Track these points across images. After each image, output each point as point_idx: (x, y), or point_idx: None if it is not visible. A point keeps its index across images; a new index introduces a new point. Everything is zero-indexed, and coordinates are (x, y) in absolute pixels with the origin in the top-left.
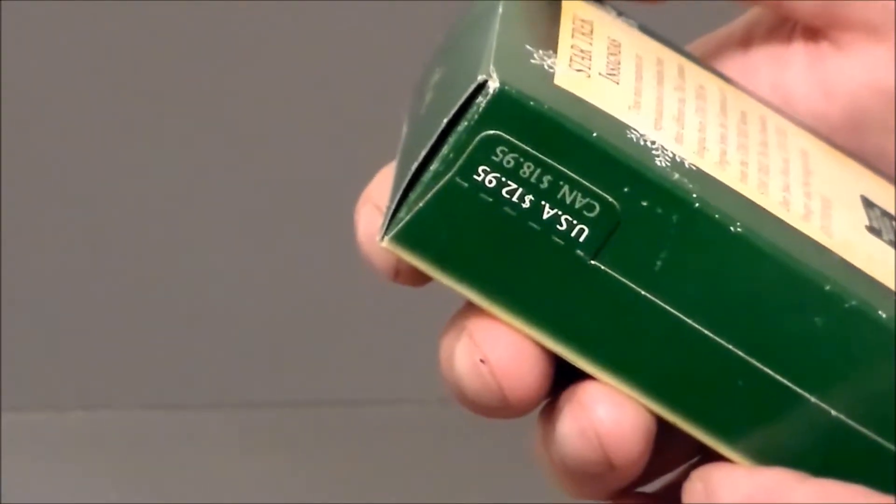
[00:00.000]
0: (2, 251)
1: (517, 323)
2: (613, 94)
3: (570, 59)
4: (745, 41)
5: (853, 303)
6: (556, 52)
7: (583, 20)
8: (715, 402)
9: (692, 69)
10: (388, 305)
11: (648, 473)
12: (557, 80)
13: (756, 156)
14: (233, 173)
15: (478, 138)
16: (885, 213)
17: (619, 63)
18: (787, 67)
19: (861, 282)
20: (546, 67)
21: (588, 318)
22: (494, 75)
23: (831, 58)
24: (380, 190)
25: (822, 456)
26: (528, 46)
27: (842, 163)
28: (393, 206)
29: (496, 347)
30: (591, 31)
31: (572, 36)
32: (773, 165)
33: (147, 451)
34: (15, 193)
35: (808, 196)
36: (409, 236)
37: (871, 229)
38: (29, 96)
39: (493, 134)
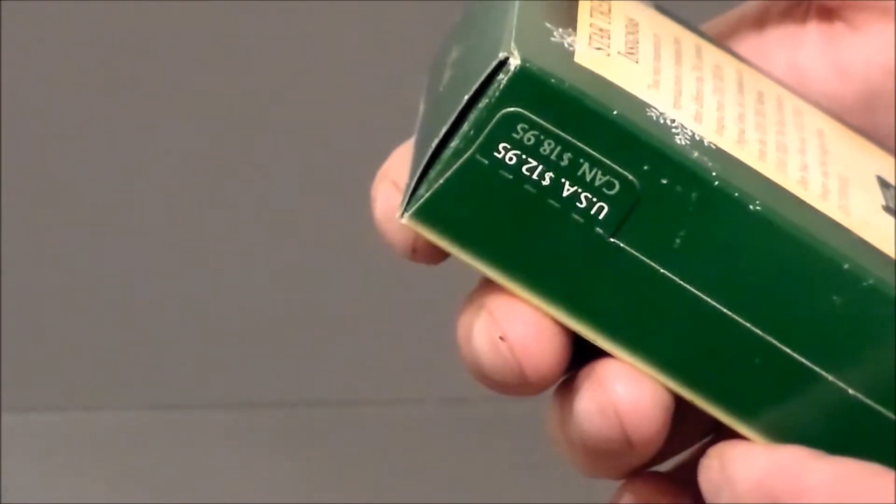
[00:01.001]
0: (2, 251)
1: (536, 300)
2: (633, 73)
3: (590, 38)
4: (760, 21)
5: (871, 281)
6: (575, 30)
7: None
8: (732, 379)
9: (709, 49)
10: (388, 305)
11: (661, 453)
12: (577, 58)
13: (774, 135)
14: (233, 173)
15: (498, 115)
16: None
17: (637, 42)
18: (802, 47)
19: (879, 261)
20: (566, 45)
21: (607, 295)
22: (516, 52)
23: (845, 38)
24: (397, 167)
25: (839, 434)
26: (547, 24)
27: (856, 143)
28: (413, 183)
29: (515, 324)
30: (609, 11)
31: (591, 15)
32: (791, 144)
33: (147, 451)
34: (15, 193)
35: (826, 175)
36: (428, 213)
37: (887, 209)
38: (29, 96)
39: (514, 111)
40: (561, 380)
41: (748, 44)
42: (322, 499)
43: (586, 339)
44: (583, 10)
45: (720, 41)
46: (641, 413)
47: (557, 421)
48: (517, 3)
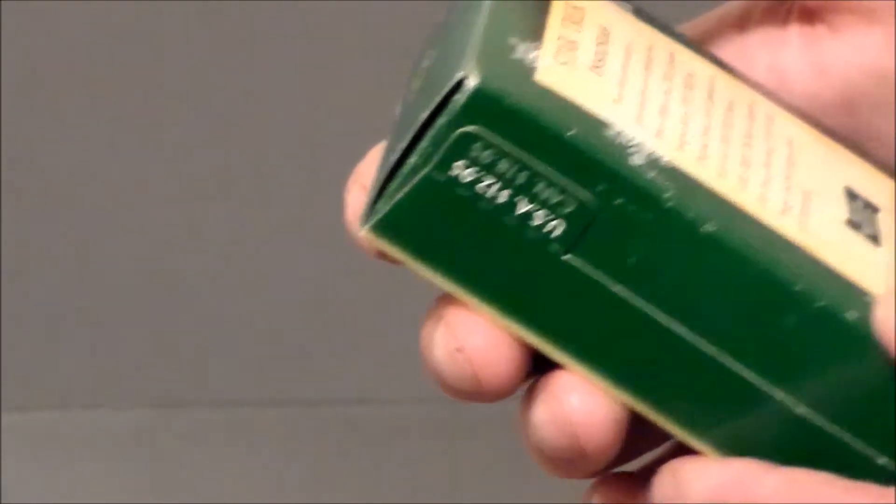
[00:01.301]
0: (2, 251)
1: (492, 313)
2: (596, 88)
3: (556, 51)
4: (742, 22)
5: (822, 303)
6: (541, 43)
7: (574, 6)
8: (684, 394)
9: (683, 55)
10: (388, 305)
11: (630, 452)
12: (538, 76)
13: (739, 148)
14: (233, 173)
15: (455, 134)
16: (867, 205)
17: (606, 53)
18: (783, 49)
19: (832, 281)
20: (528, 62)
21: (561, 309)
22: (474, 72)
23: (826, 40)
24: (369, 170)
25: (790, 451)
26: (512, 39)
27: (830, 151)
28: (373, 197)
29: (472, 336)
30: (582, 19)
31: (561, 24)
32: (756, 158)
33: (147, 451)
34: (15, 193)
35: (788, 189)
36: (386, 228)
37: (850, 223)
38: (29, 96)
39: (471, 130)
40: (527, 385)
41: (729, 45)
42: (322, 499)
43: (541, 352)
44: (554, 18)
45: (702, 41)
46: (594, 424)
47: (522, 427)
48: (486, 15)
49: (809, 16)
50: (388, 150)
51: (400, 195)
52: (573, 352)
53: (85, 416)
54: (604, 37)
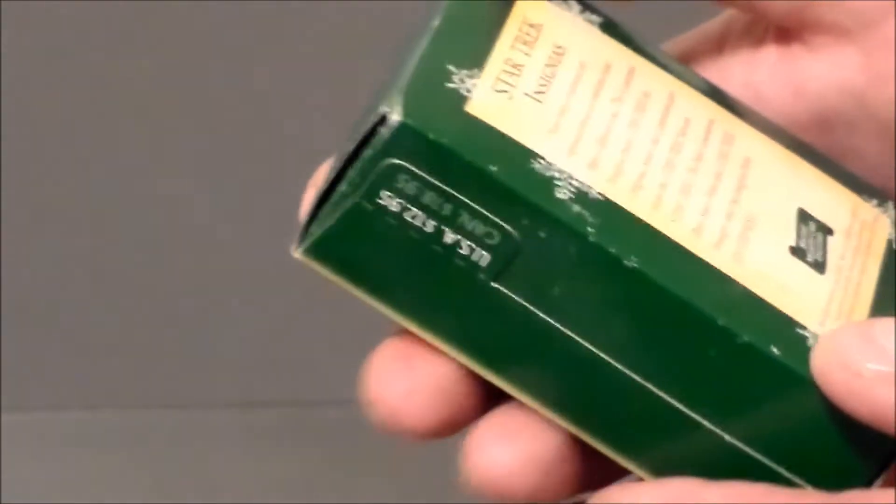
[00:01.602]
0: (2, 251)
1: (426, 336)
2: (532, 117)
3: (496, 78)
4: (720, 41)
5: (745, 339)
6: (482, 69)
7: (531, 25)
8: (615, 420)
9: (645, 73)
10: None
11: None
12: (470, 106)
13: (682, 174)
14: (233, 172)
15: (380, 166)
16: (820, 227)
17: (553, 76)
18: (759, 67)
19: (761, 315)
20: (463, 91)
21: (492, 335)
22: (397, 108)
23: (801, 59)
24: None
25: (724, 476)
26: (450, 66)
27: (792, 170)
28: (306, 220)
29: (391, 384)
30: (536, 39)
31: (511, 47)
32: (700, 184)
33: (147, 451)
34: (15, 193)
35: (730, 217)
36: (318, 252)
37: (795, 251)
38: (29, 96)
39: (395, 163)
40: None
41: (708, 62)
42: (322, 499)
43: (477, 374)
44: (504, 40)
45: (681, 59)
46: (511, 475)
47: None
48: (429, 40)
49: (785, 35)
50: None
51: (330, 221)
52: (508, 376)
53: (84, 417)
54: (556, 58)
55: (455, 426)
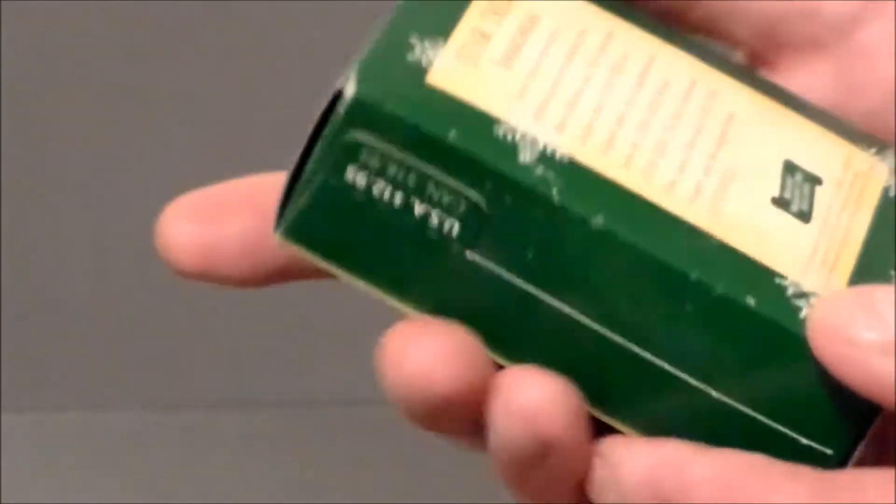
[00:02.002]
0: (2, 251)
1: (410, 309)
2: (497, 84)
3: (461, 48)
4: None
5: (720, 291)
6: (447, 39)
7: None
8: (601, 381)
9: (625, 36)
10: (384, 306)
11: None
12: (430, 77)
13: (658, 132)
14: (233, 172)
15: (341, 142)
16: (808, 178)
17: (524, 43)
18: None
19: (736, 266)
20: (423, 63)
21: (474, 304)
22: (352, 82)
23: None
24: None
25: (713, 432)
26: (413, 38)
27: (780, 122)
28: (280, 203)
29: (420, 347)
30: (509, 8)
31: (480, 16)
32: (676, 141)
33: (147, 452)
34: (15, 193)
35: (708, 171)
36: (295, 233)
37: (777, 201)
38: (29, 96)
39: (355, 138)
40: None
41: None
42: (322, 499)
43: None
44: (475, 9)
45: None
46: (553, 413)
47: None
48: (395, 12)
49: (753, 59)
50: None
51: (302, 202)
52: (495, 344)
53: (84, 417)
54: (529, 24)
55: (478, 393)
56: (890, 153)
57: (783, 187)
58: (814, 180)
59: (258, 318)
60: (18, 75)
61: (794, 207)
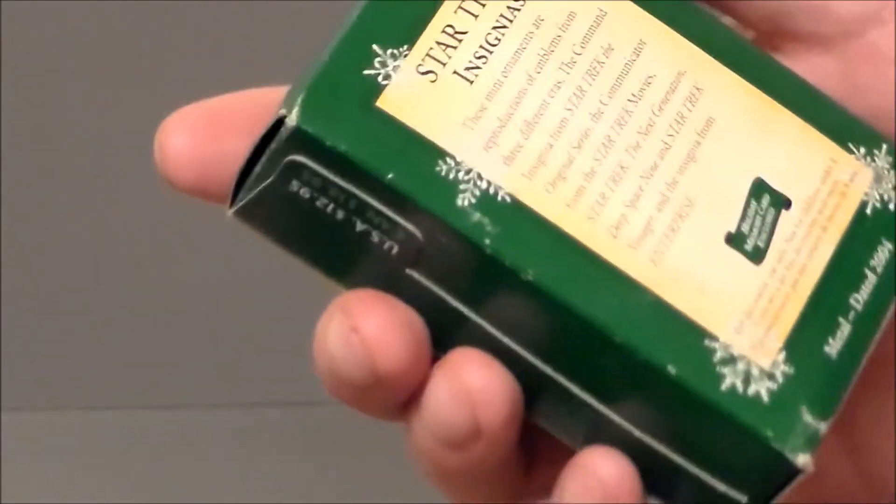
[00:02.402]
0: (2, 251)
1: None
2: (453, 105)
3: (426, 55)
4: None
5: (642, 357)
6: (414, 44)
7: None
8: (532, 399)
9: (618, 17)
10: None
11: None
12: (382, 99)
13: (619, 154)
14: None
15: (283, 162)
16: (775, 201)
17: (498, 41)
18: None
19: (666, 328)
20: (380, 78)
21: (410, 303)
22: (295, 111)
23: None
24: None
25: (635, 461)
26: (376, 45)
27: (764, 124)
28: (234, 184)
29: (368, 319)
30: None
31: (457, 9)
32: (637, 165)
33: (147, 452)
34: (15, 193)
35: (662, 205)
36: (245, 216)
37: (732, 237)
38: (29, 95)
39: (297, 160)
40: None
41: None
42: (321, 499)
43: None
44: (452, 2)
45: None
46: (493, 398)
47: (413, 430)
48: (358, 14)
49: (764, 42)
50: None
51: (251, 195)
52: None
53: (84, 417)
54: (510, 13)
55: (410, 377)
56: (881, 151)
57: (743, 217)
58: (781, 204)
59: (258, 319)
60: (18, 75)
61: (750, 243)
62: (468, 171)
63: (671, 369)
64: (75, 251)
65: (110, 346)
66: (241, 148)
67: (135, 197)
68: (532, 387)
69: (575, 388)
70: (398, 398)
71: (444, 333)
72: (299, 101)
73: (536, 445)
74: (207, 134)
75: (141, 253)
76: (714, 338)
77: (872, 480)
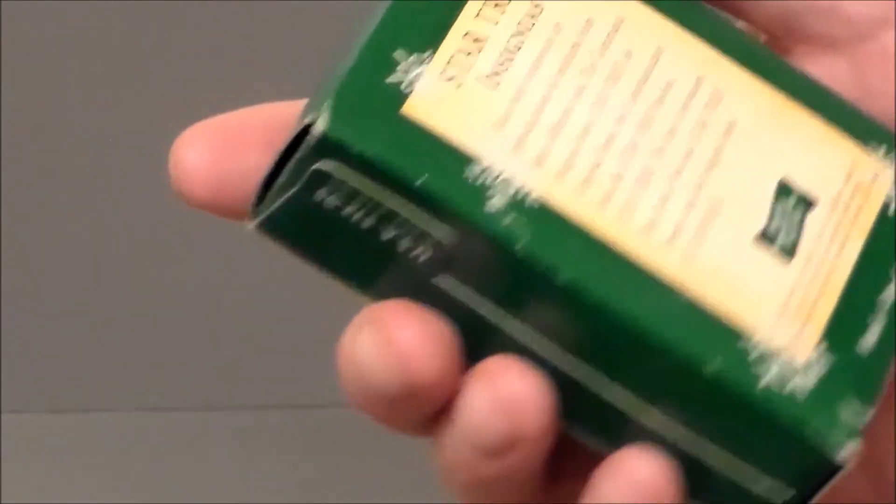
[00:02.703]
0: (2, 251)
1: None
2: (479, 110)
3: (448, 62)
4: None
5: (679, 356)
6: (436, 51)
7: None
8: (569, 409)
9: (635, 23)
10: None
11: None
12: (407, 106)
13: (645, 157)
14: None
15: (309, 171)
16: (801, 201)
17: (518, 47)
18: None
19: (701, 328)
20: (404, 86)
21: (436, 311)
22: (323, 118)
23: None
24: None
25: (676, 458)
26: (398, 52)
27: (786, 126)
28: (257, 196)
29: (402, 329)
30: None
31: (477, 15)
32: (663, 168)
33: (146, 453)
34: (15, 193)
35: (691, 206)
36: (267, 230)
37: (761, 236)
38: (29, 95)
39: (323, 169)
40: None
41: None
42: (320, 499)
43: None
44: (472, 6)
45: None
46: (532, 405)
47: (443, 440)
48: (389, 10)
49: (774, 43)
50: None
51: (274, 206)
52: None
53: (84, 418)
54: (528, 21)
55: (444, 388)
56: None
57: (771, 217)
58: (807, 204)
59: (257, 321)
60: (18, 75)
61: (780, 242)
62: (497, 176)
63: (708, 369)
64: (75, 252)
65: (110, 348)
66: (256, 163)
67: (135, 199)
68: (565, 393)
69: (611, 391)
70: (429, 409)
71: (474, 342)
72: (326, 107)
73: (560, 457)
74: (222, 150)
75: (141, 255)
76: (750, 336)
77: (887, 491)
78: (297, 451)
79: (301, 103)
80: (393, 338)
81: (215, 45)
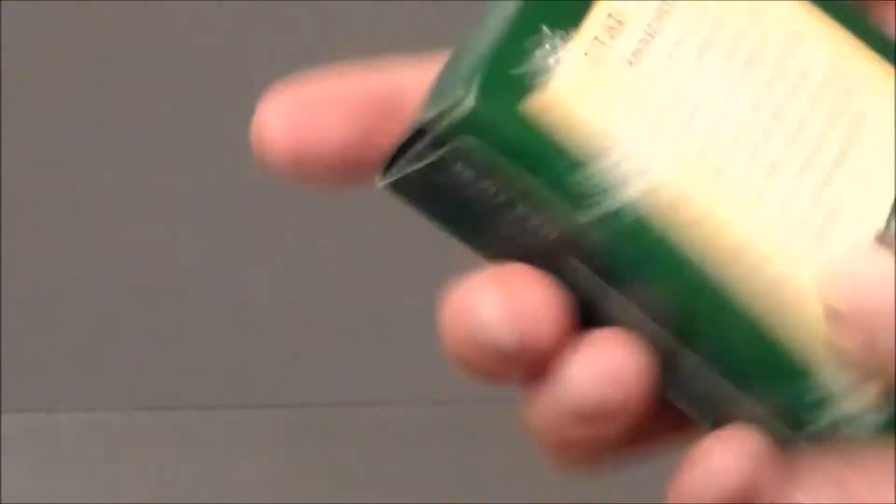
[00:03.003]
0: (2, 251)
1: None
2: (621, 91)
3: (592, 39)
4: None
5: (791, 358)
6: (580, 28)
7: None
8: (673, 379)
9: (773, 8)
10: (384, 308)
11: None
12: (551, 87)
13: (776, 149)
14: (231, 173)
15: (448, 146)
16: None
17: (660, 29)
18: None
19: (814, 319)
20: (549, 63)
21: (568, 291)
22: (470, 96)
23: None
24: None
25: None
26: (544, 27)
27: None
28: (391, 154)
29: (526, 290)
30: None
31: None
32: (790, 162)
33: (146, 453)
34: (15, 193)
35: (814, 205)
36: (396, 189)
37: (881, 236)
38: (29, 95)
39: (463, 146)
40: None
41: None
42: (320, 499)
43: None
44: None
45: None
46: (635, 375)
47: (539, 403)
48: None
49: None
50: (424, 102)
51: (408, 170)
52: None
53: (84, 418)
54: (668, 4)
55: (565, 345)
56: None
57: (891, 221)
58: None
59: (257, 320)
60: (19, 75)
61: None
62: (631, 165)
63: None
64: (75, 251)
65: (110, 346)
66: (338, 130)
67: (134, 199)
68: (670, 364)
69: (711, 369)
70: (537, 370)
71: (587, 311)
72: (475, 84)
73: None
74: (305, 118)
75: (141, 255)
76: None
77: None
78: (297, 451)
79: (378, 65)
80: (518, 298)
81: (216, 45)
